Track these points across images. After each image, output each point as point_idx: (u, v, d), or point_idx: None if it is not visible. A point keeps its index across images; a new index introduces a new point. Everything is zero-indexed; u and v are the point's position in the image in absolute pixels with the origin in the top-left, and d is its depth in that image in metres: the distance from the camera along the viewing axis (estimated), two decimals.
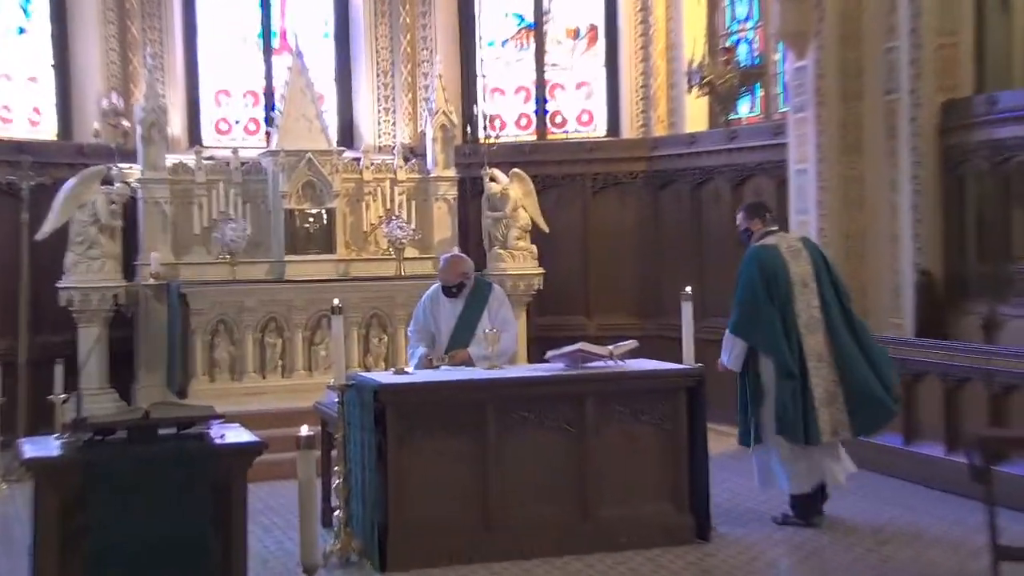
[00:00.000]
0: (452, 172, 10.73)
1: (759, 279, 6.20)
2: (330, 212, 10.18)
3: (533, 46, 11.50)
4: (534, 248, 10.69)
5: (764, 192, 10.03)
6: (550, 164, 11.32)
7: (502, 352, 6.31)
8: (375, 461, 5.59)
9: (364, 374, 6.22)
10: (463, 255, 6.92)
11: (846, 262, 8.66)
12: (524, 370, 6.31)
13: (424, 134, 10.86)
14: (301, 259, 10.08)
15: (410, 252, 10.37)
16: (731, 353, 6.18)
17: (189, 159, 10.24)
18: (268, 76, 11.08)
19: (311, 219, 10.12)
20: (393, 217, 10.39)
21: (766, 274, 6.24)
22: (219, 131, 11.28)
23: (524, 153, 11.27)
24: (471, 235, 10.95)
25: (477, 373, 5.93)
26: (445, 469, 5.69)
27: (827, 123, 8.97)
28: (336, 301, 5.61)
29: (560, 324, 10.95)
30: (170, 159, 10.08)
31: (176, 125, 10.66)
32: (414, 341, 6.82)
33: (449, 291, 6.66)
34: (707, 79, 9.96)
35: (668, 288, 10.13)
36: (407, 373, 5.99)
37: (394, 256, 10.31)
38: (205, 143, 10.95)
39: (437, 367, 6.15)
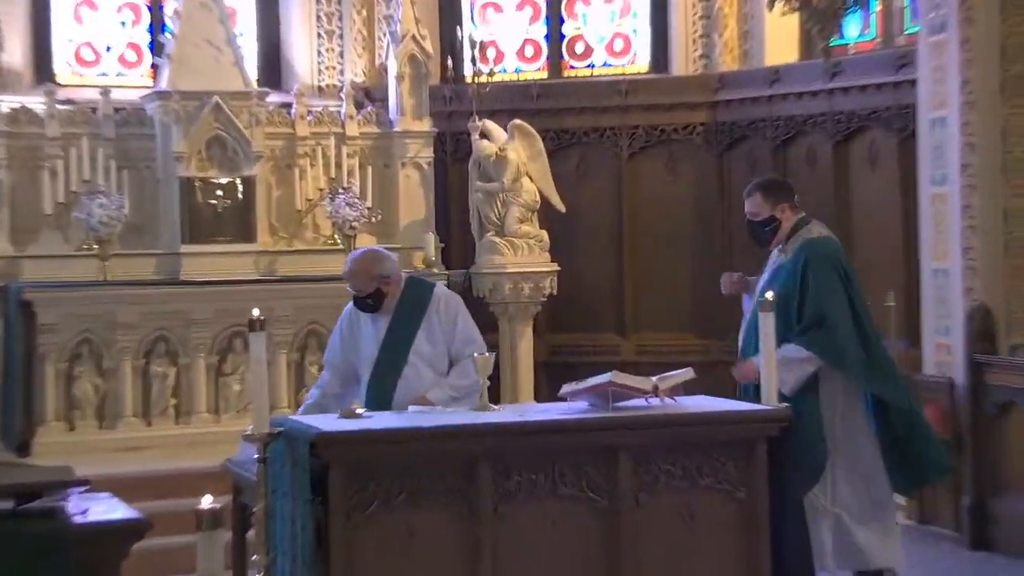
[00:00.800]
0: (426, 125, 10.85)
1: (843, 288, 6.58)
2: (247, 182, 10.32)
3: None
4: (544, 235, 10.76)
5: (880, 151, 10.23)
6: (568, 113, 11.36)
7: (464, 391, 6.46)
8: (312, 547, 5.51)
9: (297, 417, 6.18)
10: (378, 250, 6.88)
11: (1004, 256, 8.81)
12: (532, 412, 6.27)
13: (385, 70, 11.10)
14: (205, 250, 10.20)
15: (365, 241, 10.36)
16: (795, 377, 6.47)
17: (35, 103, 10.35)
18: None
19: (220, 192, 10.28)
20: (340, 190, 10.49)
21: (852, 282, 6.65)
22: (81, 61, 11.46)
23: (530, 98, 11.47)
24: (454, 216, 11.10)
25: (462, 416, 5.92)
26: (416, 559, 5.64)
27: (980, 48, 8.94)
28: (256, 312, 5.54)
29: (582, 345, 11.12)
30: (5, 102, 10.19)
31: (14, 52, 10.77)
32: (320, 380, 6.95)
33: (364, 304, 6.67)
34: None
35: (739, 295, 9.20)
36: (361, 416, 5.94)
37: (341, 246, 10.38)
38: (60, 80, 11.14)
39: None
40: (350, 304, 6.74)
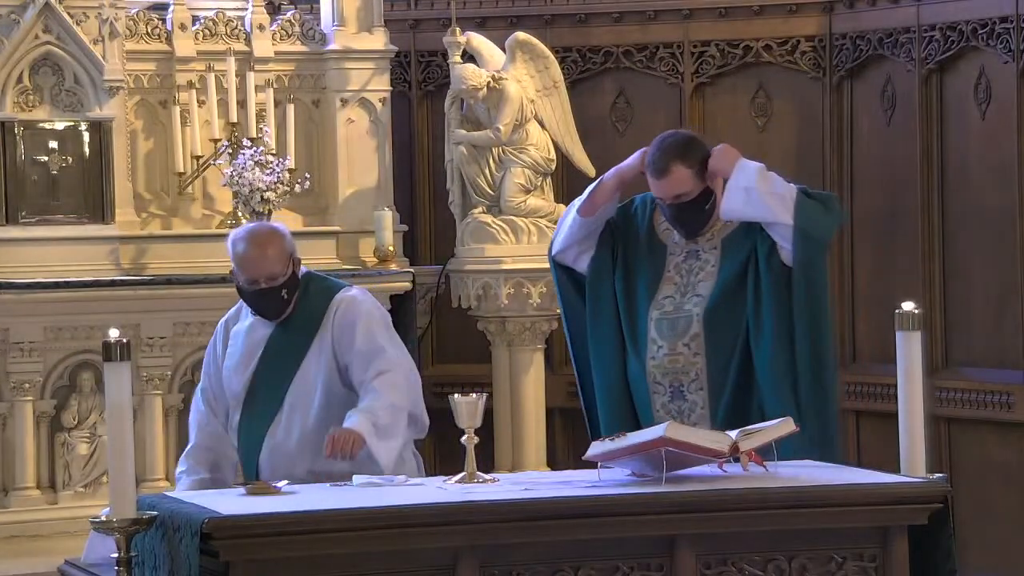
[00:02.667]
0: (378, 40, 9.97)
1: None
2: (99, 130, 9.51)
3: None
4: (563, 212, 9.80)
5: None
6: (599, 21, 10.28)
7: (390, 415, 6.22)
8: None
9: (178, 495, 5.86)
10: (277, 227, 6.73)
11: None
12: (543, 486, 5.83)
13: None
14: (29, 235, 9.36)
15: (285, 220, 9.22)
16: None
17: None
18: None
19: (53, 145, 9.53)
20: (245, 143, 9.58)
21: None
22: None
23: None
24: (422, 182, 10.51)
25: (436, 494, 5.67)
26: None
27: None
28: (115, 332, 5.26)
29: None
30: None
31: None
32: (189, 441, 6.87)
33: (273, 301, 6.46)
34: None
35: (869, 303, 9.92)
36: (278, 490, 5.71)
37: None
38: None
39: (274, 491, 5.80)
40: (229, 312, 6.77)
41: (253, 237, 6.53)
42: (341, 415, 6.40)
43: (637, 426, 6.37)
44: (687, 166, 6.46)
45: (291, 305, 6.52)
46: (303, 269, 6.64)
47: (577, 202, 6.70)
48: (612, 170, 6.60)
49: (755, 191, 6.41)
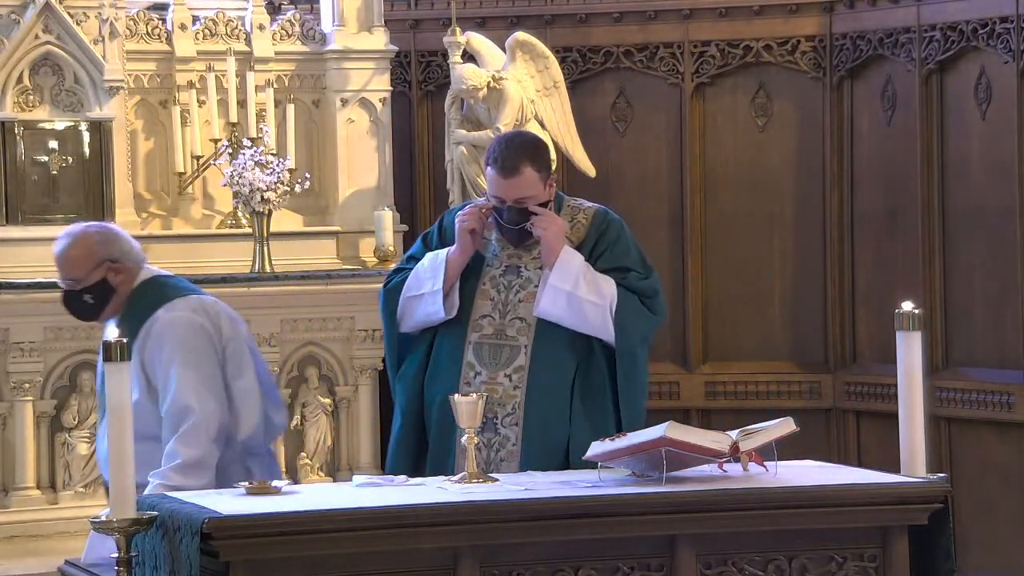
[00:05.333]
0: (379, 40, 10.04)
1: None
2: (98, 130, 9.54)
3: None
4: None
5: None
6: (599, 21, 10.32)
7: (186, 476, 6.08)
8: None
9: (180, 496, 5.73)
10: (93, 229, 6.53)
11: None
12: (543, 486, 5.81)
13: None
14: (29, 235, 9.35)
15: (286, 221, 9.83)
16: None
17: None
18: None
19: (53, 145, 9.59)
20: (246, 142, 9.60)
21: None
22: None
23: None
24: (423, 182, 10.55)
25: (436, 494, 5.66)
26: None
27: None
28: (115, 332, 5.22)
29: None
30: None
31: None
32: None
33: (76, 303, 6.41)
34: None
35: (869, 303, 9.91)
36: (278, 491, 5.68)
37: (248, 229, 9.65)
38: None
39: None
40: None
41: (63, 236, 6.50)
42: (152, 429, 6.32)
43: (422, 457, 6.28)
44: (536, 168, 6.41)
45: (105, 310, 6.45)
46: (153, 273, 6.56)
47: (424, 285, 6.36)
48: (453, 256, 6.34)
49: (576, 298, 6.34)
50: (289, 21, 9.90)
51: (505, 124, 9.54)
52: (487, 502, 5.48)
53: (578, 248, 6.49)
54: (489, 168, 6.37)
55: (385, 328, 6.55)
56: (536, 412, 6.36)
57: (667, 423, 5.62)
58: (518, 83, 9.66)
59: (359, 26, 9.89)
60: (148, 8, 9.69)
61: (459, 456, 6.07)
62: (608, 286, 6.38)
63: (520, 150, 6.44)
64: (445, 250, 6.35)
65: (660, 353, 10.12)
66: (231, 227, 9.70)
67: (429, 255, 6.43)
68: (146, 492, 6.06)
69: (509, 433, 6.23)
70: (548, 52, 9.79)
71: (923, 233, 9.70)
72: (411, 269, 6.45)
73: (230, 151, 9.51)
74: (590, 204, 6.60)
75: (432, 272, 6.36)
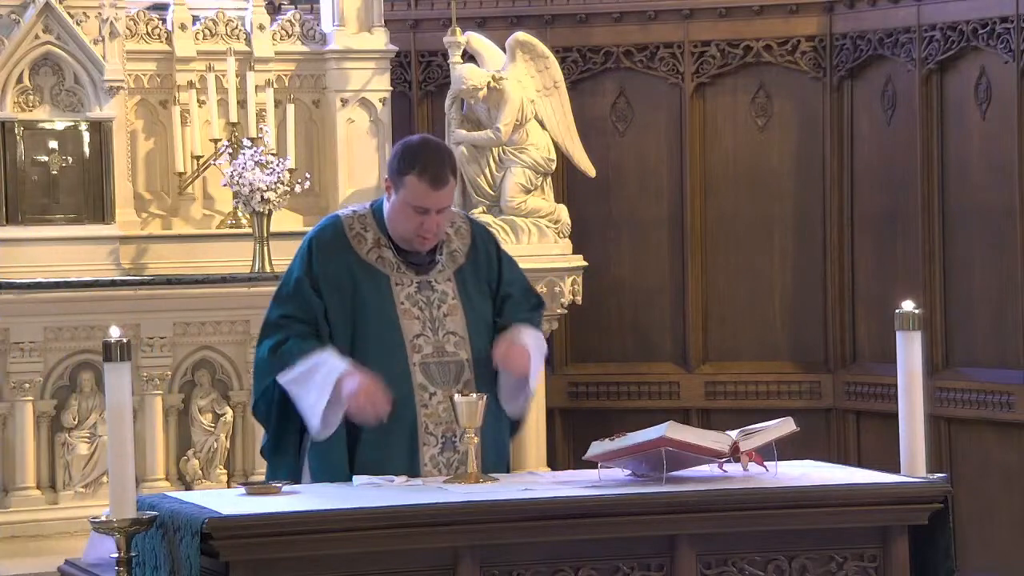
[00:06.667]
0: (379, 40, 10.07)
1: None
2: (98, 130, 9.56)
3: None
4: (564, 212, 10.08)
5: None
6: (599, 21, 10.38)
7: None
8: None
9: (178, 495, 5.87)
10: None
11: None
12: (543, 486, 5.91)
13: None
14: (29, 235, 9.46)
15: (286, 221, 9.80)
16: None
17: None
18: None
19: (53, 145, 9.61)
20: (246, 142, 9.64)
21: None
22: None
23: None
24: None
25: (436, 494, 5.74)
26: None
27: None
28: (116, 332, 5.31)
29: (621, 381, 10.46)
30: None
31: None
32: None
33: None
34: None
35: (869, 303, 9.94)
36: (278, 490, 5.77)
37: (248, 229, 9.65)
38: None
39: None
40: None
41: None
42: None
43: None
44: (455, 178, 6.32)
45: None
46: None
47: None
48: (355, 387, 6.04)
49: (535, 375, 6.26)
50: (289, 21, 9.94)
51: (505, 124, 9.68)
52: (487, 502, 5.50)
53: (466, 257, 6.35)
54: (411, 176, 6.14)
55: (261, 396, 6.10)
56: (487, 423, 6.35)
57: (667, 423, 5.64)
58: (518, 83, 9.74)
59: (359, 26, 9.93)
60: (148, 8, 9.71)
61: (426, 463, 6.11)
62: (542, 347, 6.34)
63: (448, 160, 6.32)
64: (338, 370, 5.92)
65: (660, 353, 10.44)
66: (231, 227, 9.74)
67: (318, 356, 5.97)
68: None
69: (467, 449, 6.22)
70: (548, 52, 9.86)
71: (923, 233, 9.70)
72: (287, 334, 6.07)
73: (230, 151, 9.55)
74: (456, 208, 6.50)
75: (319, 388, 6.02)
